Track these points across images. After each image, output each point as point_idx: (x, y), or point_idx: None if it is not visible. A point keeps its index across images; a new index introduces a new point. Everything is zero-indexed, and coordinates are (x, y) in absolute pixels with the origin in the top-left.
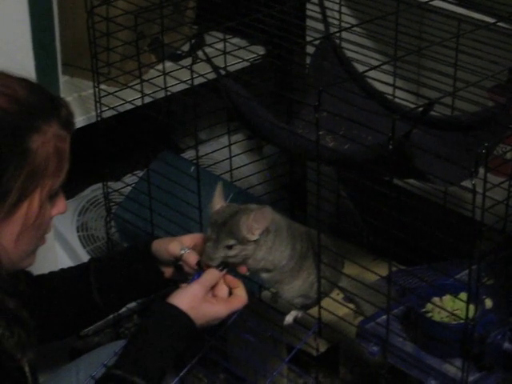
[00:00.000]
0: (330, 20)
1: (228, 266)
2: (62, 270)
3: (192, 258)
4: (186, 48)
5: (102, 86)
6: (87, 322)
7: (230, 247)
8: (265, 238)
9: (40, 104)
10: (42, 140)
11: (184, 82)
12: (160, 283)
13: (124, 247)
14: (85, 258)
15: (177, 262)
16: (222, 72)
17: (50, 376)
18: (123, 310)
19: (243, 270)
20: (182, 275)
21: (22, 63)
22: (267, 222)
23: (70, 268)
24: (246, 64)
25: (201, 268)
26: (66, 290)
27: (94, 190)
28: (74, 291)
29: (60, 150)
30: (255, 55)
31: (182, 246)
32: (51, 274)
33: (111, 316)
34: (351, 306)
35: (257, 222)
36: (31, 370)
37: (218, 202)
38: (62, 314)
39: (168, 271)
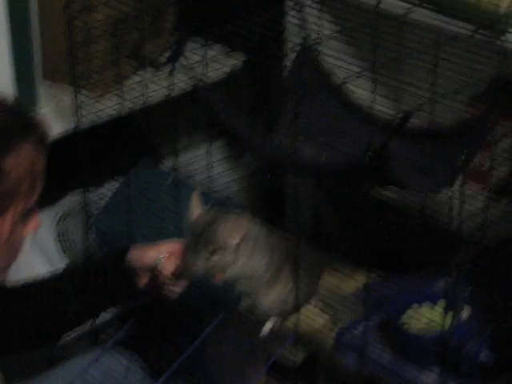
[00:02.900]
0: (309, 30)
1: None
2: (37, 278)
3: (168, 267)
4: (165, 56)
5: (81, 95)
6: (63, 329)
7: (208, 257)
8: (244, 245)
9: (12, 124)
10: (14, 161)
11: (163, 90)
12: (135, 292)
13: (100, 255)
14: (63, 265)
15: (153, 269)
16: (202, 80)
17: None
18: (101, 317)
19: (218, 278)
20: (159, 283)
21: (0, 72)
22: (246, 229)
23: (45, 276)
24: (225, 73)
25: (177, 277)
26: (40, 299)
27: (73, 198)
28: (47, 299)
29: (33, 169)
30: (235, 63)
31: (158, 255)
32: (25, 282)
33: (88, 324)
34: (329, 315)
35: (236, 229)
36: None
37: (196, 210)
38: (36, 322)
39: (144, 279)
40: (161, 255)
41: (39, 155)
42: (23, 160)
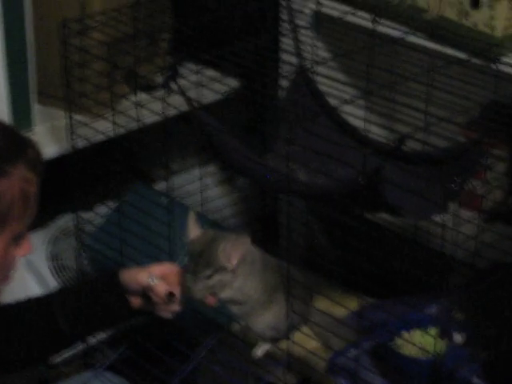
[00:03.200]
0: (304, 54)
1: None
2: (29, 299)
3: (162, 288)
4: (159, 79)
5: (75, 116)
6: (53, 350)
7: (209, 277)
8: (242, 267)
9: (5, 146)
10: (7, 184)
11: (157, 113)
12: (127, 314)
13: (93, 276)
14: (56, 285)
15: (145, 291)
16: (195, 104)
17: None
18: (93, 340)
19: (211, 301)
20: (151, 305)
21: None
22: (244, 250)
23: (37, 297)
24: (219, 96)
25: (171, 298)
26: (31, 319)
27: (66, 220)
28: (39, 320)
29: (26, 193)
30: (229, 88)
31: (150, 276)
32: (17, 302)
33: (80, 346)
34: (321, 339)
35: (234, 250)
36: None
37: (194, 231)
38: (26, 343)
39: (136, 301)
40: (153, 277)
41: (32, 178)
42: (16, 183)
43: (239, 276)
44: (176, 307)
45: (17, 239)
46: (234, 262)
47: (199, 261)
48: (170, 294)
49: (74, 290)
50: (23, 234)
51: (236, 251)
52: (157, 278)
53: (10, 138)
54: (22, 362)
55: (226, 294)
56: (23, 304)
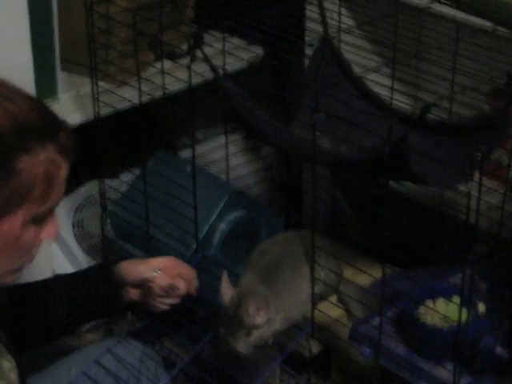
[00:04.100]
0: (329, 21)
1: None
2: (29, 282)
3: (164, 280)
4: (184, 47)
5: (100, 84)
6: (46, 339)
7: (247, 335)
8: (273, 313)
9: (38, 125)
10: (30, 162)
11: (182, 80)
12: (119, 305)
13: (90, 266)
14: (80, 255)
15: (144, 284)
16: (221, 72)
17: (42, 372)
18: None
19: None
20: (148, 297)
21: (20, 60)
22: (267, 302)
23: (35, 282)
24: (244, 64)
25: (173, 290)
26: (28, 305)
27: (91, 188)
28: (33, 307)
29: (51, 175)
30: (254, 55)
31: (149, 270)
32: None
33: None
34: (344, 308)
35: (260, 307)
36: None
37: (227, 291)
38: (27, 327)
39: (133, 292)
40: (156, 269)
41: (61, 161)
42: (41, 163)
43: (276, 320)
44: (176, 299)
45: (38, 221)
46: (263, 316)
47: (234, 322)
48: (172, 287)
49: (71, 278)
50: (46, 216)
51: (261, 307)
52: (159, 270)
53: (44, 117)
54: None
55: (268, 339)
56: (23, 287)
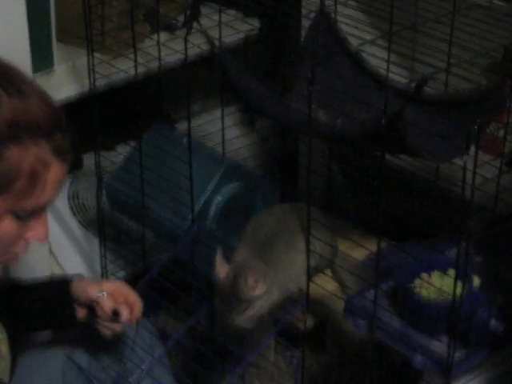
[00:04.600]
0: None
1: None
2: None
3: (108, 304)
4: (181, 19)
5: (96, 55)
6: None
7: (247, 308)
8: (270, 284)
9: (36, 122)
10: (19, 152)
11: (179, 52)
12: (70, 322)
13: (47, 279)
14: (75, 227)
15: (92, 305)
16: (217, 44)
17: (35, 356)
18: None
19: None
20: (94, 320)
21: (16, 31)
22: (264, 274)
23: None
24: (240, 36)
25: (117, 316)
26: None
27: (86, 160)
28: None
29: (37, 172)
30: (250, 28)
31: (100, 290)
32: None
33: None
34: (339, 281)
35: (257, 279)
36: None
37: (222, 268)
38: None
39: (81, 312)
40: (103, 291)
41: (53, 163)
42: (29, 157)
43: (273, 290)
44: (118, 327)
45: (22, 217)
46: (260, 287)
47: (231, 298)
48: (115, 313)
49: (24, 286)
50: (31, 215)
51: (258, 279)
52: (106, 293)
53: (45, 114)
54: None
55: (265, 312)
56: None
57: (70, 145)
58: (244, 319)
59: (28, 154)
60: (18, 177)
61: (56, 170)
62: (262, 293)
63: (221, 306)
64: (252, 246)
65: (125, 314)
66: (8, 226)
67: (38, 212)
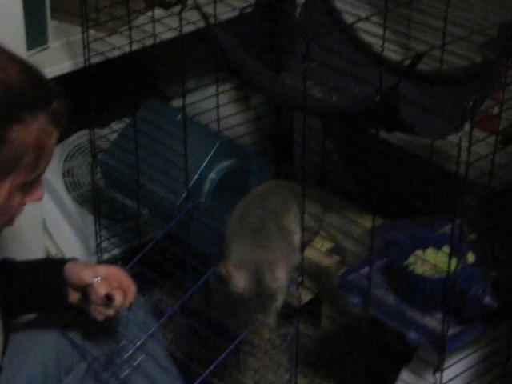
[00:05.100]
0: None
1: None
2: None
3: (102, 288)
4: None
5: (91, 32)
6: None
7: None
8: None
9: (31, 94)
10: (23, 132)
11: (173, 29)
12: (62, 305)
13: (41, 260)
14: (69, 204)
15: (85, 289)
16: (212, 20)
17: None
18: (105, 255)
19: None
20: (87, 304)
21: (10, 8)
22: (281, 260)
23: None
24: (235, 13)
25: (110, 300)
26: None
27: (81, 136)
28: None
29: (41, 144)
30: (245, 4)
31: (94, 274)
32: None
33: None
34: (335, 257)
35: (275, 271)
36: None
37: (239, 279)
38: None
39: (74, 296)
40: (97, 276)
41: (52, 131)
42: (33, 132)
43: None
44: (111, 311)
45: (25, 187)
46: (288, 275)
47: (262, 299)
48: (108, 297)
49: (16, 266)
50: (35, 181)
51: (277, 271)
52: (100, 277)
53: (37, 86)
54: None
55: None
56: None
57: (64, 108)
58: (273, 316)
59: (31, 130)
60: (25, 154)
61: (55, 137)
62: (288, 279)
63: (248, 310)
64: (245, 238)
65: (118, 298)
66: (15, 199)
67: (38, 178)
